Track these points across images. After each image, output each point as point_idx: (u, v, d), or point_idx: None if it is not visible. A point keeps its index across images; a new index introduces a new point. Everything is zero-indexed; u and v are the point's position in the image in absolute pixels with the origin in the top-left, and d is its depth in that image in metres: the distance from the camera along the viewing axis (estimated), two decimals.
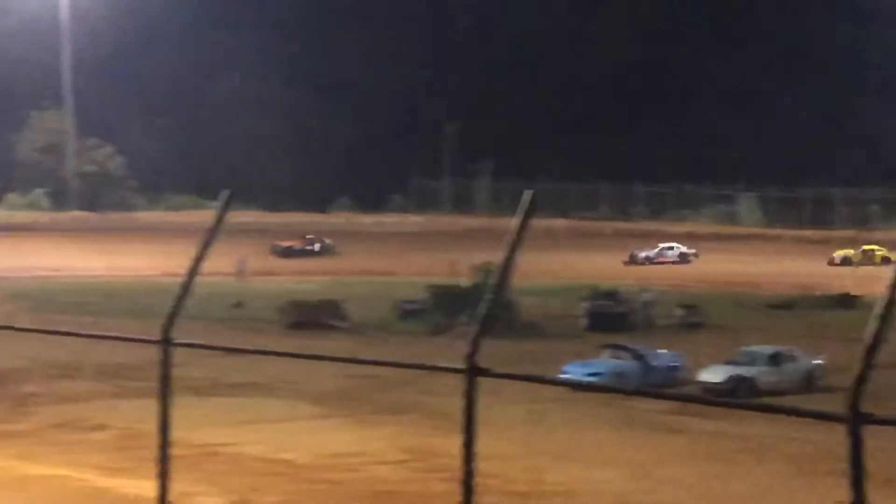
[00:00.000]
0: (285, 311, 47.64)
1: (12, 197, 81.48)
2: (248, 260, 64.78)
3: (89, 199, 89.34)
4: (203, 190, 79.13)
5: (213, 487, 21.44)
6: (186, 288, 10.42)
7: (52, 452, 24.50)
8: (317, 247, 74.77)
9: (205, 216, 12.62)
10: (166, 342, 10.42)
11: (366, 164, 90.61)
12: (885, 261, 70.53)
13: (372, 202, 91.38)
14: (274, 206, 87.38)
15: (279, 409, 29.95)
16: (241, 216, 71.77)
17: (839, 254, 74.29)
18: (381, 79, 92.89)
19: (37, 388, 32.17)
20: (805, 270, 65.51)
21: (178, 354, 10.63)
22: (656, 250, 76.42)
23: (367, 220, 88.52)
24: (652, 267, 71.50)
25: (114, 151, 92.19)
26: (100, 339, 26.98)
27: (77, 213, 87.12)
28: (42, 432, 27.08)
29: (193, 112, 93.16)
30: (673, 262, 74.34)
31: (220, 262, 54.69)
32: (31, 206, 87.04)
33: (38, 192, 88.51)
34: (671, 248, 77.26)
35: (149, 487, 11.18)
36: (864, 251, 74.17)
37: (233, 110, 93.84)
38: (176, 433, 10.66)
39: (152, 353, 10.55)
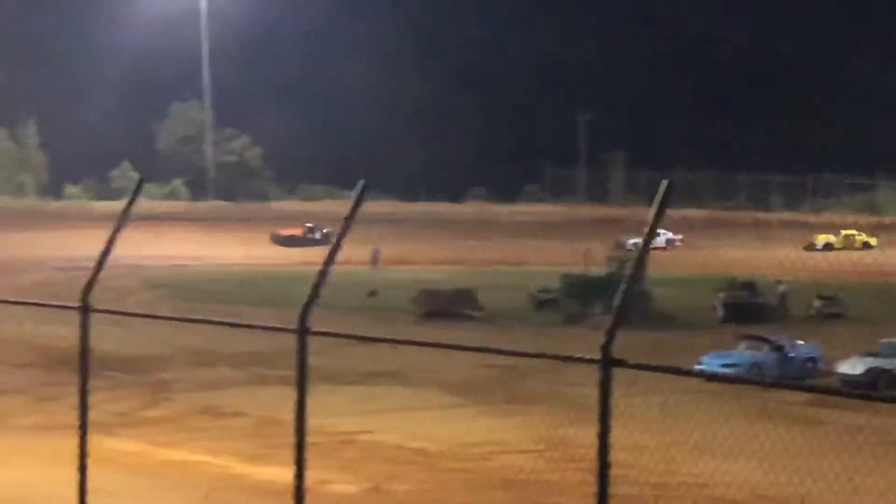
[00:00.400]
0: (419, 300, 47.81)
1: (152, 187, 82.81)
2: (382, 249, 65.22)
3: (227, 188, 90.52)
4: (338, 180, 79.72)
5: (347, 475, 21.59)
6: (322, 277, 10.48)
7: (190, 438, 24.87)
8: (318, 235, 73.22)
9: (340, 206, 12.69)
10: (303, 331, 10.50)
11: (500, 154, 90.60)
12: (866, 245, 71.36)
13: (506, 192, 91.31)
14: (409, 196, 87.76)
15: (413, 397, 30.06)
16: (376, 206, 72.21)
17: (820, 239, 74.55)
18: (515, 68, 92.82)
19: (176, 375, 32.67)
20: None
21: (314, 343, 10.71)
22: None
23: (502, 209, 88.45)
24: (792, 257, 70.42)
25: (251, 142, 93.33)
26: (237, 328, 27.21)
27: (215, 203, 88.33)
28: (181, 419, 27.49)
29: (329, 103, 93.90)
30: (661, 249, 71.95)
31: (355, 252, 55.19)
32: (171, 195, 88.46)
33: (177, 181, 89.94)
34: (658, 234, 76.02)
35: (285, 474, 11.27)
36: (845, 236, 74.20)
37: (368, 101, 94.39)
38: (312, 421, 10.73)
39: (289, 342, 10.64)
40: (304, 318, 10.45)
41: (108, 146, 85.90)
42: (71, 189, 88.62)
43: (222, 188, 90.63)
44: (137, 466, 22.26)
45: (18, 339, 35.94)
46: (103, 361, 21.64)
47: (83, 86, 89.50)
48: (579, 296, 46.58)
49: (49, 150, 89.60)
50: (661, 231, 77.15)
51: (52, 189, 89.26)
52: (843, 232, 74.49)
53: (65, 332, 13.42)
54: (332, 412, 23.97)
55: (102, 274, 12.53)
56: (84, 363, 12.54)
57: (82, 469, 12.35)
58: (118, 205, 13.01)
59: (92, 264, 12.42)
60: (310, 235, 72.97)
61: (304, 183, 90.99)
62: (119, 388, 29.22)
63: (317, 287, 10.43)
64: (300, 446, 10.66)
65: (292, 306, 10.86)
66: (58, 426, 22.77)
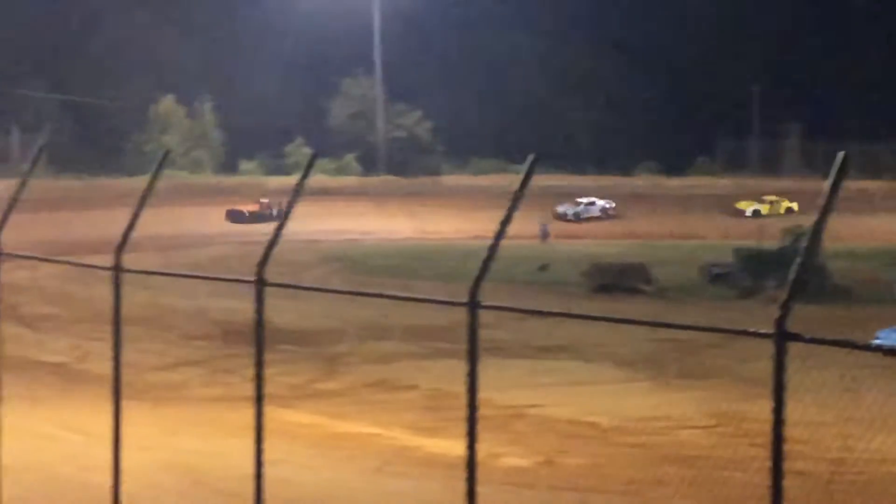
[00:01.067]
0: (590, 274, 47.63)
1: (324, 162, 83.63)
2: (551, 223, 65.13)
3: (398, 163, 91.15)
4: (509, 154, 79.70)
5: (519, 448, 21.64)
6: (493, 251, 10.49)
7: (363, 411, 25.15)
8: (275, 212, 68.23)
9: (510, 180, 12.67)
10: (473, 304, 10.52)
11: (671, 127, 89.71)
12: (789, 211, 71.86)
13: (677, 165, 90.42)
14: (578, 170, 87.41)
15: (584, 371, 29.99)
16: (546, 179, 72.05)
17: (743, 206, 75.23)
18: (686, 39, 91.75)
19: (348, 348, 33.05)
20: None
21: (485, 316, 10.72)
22: (580, 206, 74.77)
23: (673, 182, 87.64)
24: None
25: (421, 117, 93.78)
26: (409, 302, 27.43)
27: (386, 178, 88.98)
28: (353, 391, 27.82)
29: (499, 76, 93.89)
30: (596, 218, 72.56)
31: (525, 226, 55.13)
32: (342, 170, 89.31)
33: (349, 157, 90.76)
34: (592, 202, 75.38)
35: (456, 447, 11.32)
36: (770, 202, 74.47)
37: (538, 73, 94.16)
38: (482, 394, 10.76)
39: (460, 315, 10.67)
40: (474, 292, 10.47)
41: (281, 122, 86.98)
42: (246, 165, 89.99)
43: (393, 163, 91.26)
44: (312, 438, 22.60)
45: (195, 313, 36.67)
46: (278, 335, 22.01)
47: (258, 63, 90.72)
48: (753, 270, 45.97)
49: (225, 126, 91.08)
50: (594, 199, 73.64)
51: (228, 165, 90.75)
52: (768, 198, 75.06)
53: (240, 306, 13.65)
54: (503, 386, 24.03)
55: (277, 248, 12.70)
56: (259, 336, 12.73)
57: (258, 440, 12.56)
58: (291, 180, 13.18)
59: (266, 239, 12.60)
60: (267, 212, 68.88)
61: (474, 157, 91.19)
62: (293, 361, 29.67)
63: (487, 261, 10.44)
64: (472, 419, 10.70)
65: (463, 280, 10.88)
66: (234, 398, 23.21)
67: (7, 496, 15.24)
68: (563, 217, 72.74)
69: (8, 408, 15.66)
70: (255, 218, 67.32)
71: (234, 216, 69.18)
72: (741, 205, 75.85)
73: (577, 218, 72.96)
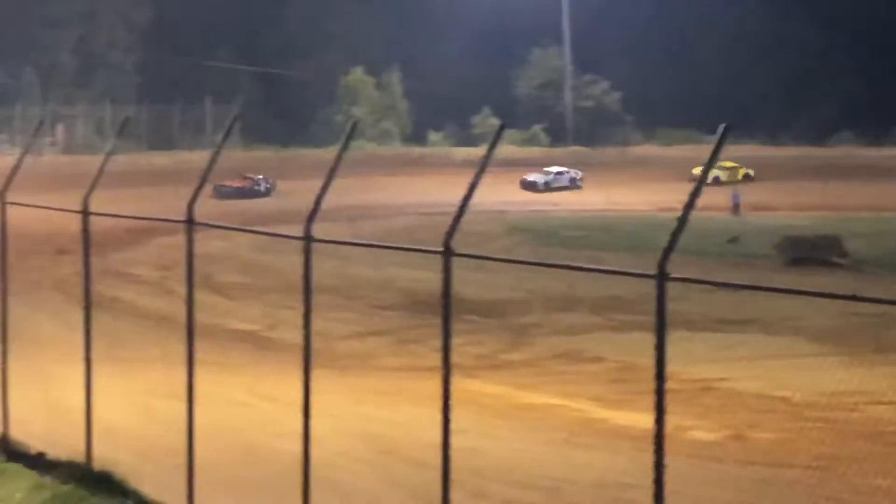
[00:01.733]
0: (782, 246, 46.83)
1: (512, 133, 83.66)
2: (742, 194, 64.21)
3: (586, 134, 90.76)
4: (699, 123, 78.75)
5: (707, 422, 21.40)
6: (682, 222, 10.34)
7: (549, 382, 25.13)
8: (262, 187, 67.56)
9: (700, 151, 12.48)
10: (662, 276, 10.39)
11: (868, 95, 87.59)
12: (747, 177, 72.13)
13: (874, 134, 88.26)
14: (771, 140, 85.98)
15: (775, 345, 29.48)
16: (738, 150, 71.06)
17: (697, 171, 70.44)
18: (884, 2, 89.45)
19: (535, 319, 33.04)
20: None
21: (673, 289, 10.58)
22: (552, 176, 72.56)
23: (870, 152, 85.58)
24: None
25: (609, 87, 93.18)
26: (596, 273, 27.22)
27: (574, 149, 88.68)
28: (539, 363, 27.81)
29: (688, 45, 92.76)
30: (564, 188, 70.60)
31: (715, 198, 54.40)
32: (530, 141, 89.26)
33: (537, 128, 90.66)
34: (560, 172, 73.17)
35: (643, 420, 11.22)
36: (728, 169, 72.19)
37: (728, 42, 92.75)
38: (670, 367, 10.63)
39: (647, 287, 10.56)
40: (663, 263, 10.34)
41: (469, 93, 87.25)
42: (433, 135, 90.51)
43: (581, 134, 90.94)
44: (498, 409, 22.65)
45: (383, 283, 37.04)
46: (464, 305, 22.08)
47: (446, 34, 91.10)
48: None
49: (412, 97, 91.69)
50: (563, 169, 70.77)
51: (416, 136, 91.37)
52: (725, 164, 71.94)
53: (427, 276, 13.71)
54: (690, 359, 23.76)
55: (464, 219, 12.70)
56: (446, 306, 12.76)
57: (445, 410, 12.61)
58: (478, 151, 13.18)
59: (453, 210, 12.61)
60: (256, 188, 67.80)
61: (663, 127, 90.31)
62: (480, 331, 29.77)
63: (676, 233, 10.30)
64: (659, 392, 10.59)
65: (651, 252, 10.77)
66: (420, 368, 23.38)
67: (200, 460, 15.57)
68: (532, 187, 71.77)
69: (201, 374, 15.99)
70: (241, 193, 65.05)
71: (220, 191, 62.68)
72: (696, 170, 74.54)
73: (547, 187, 71.75)
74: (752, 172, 73.70)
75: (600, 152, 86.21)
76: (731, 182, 70.52)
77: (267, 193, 67.25)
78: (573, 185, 73.33)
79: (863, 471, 18.54)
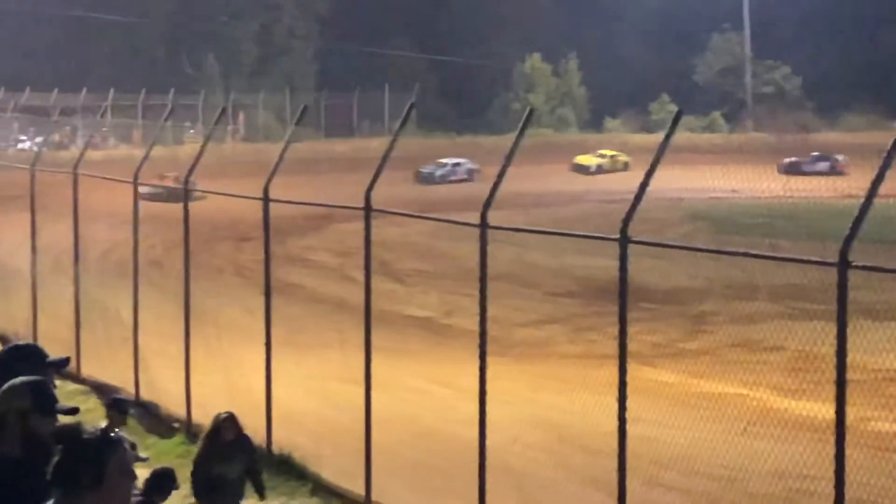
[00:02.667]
0: None
1: (690, 119, 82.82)
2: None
3: (765, 120, 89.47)
4: (884, 109, 77.04)
5: (891, 413, 20.96)
6: (865, 210, 10.15)
7: (727, 371, 24.84)
8: (465, 170, 64.88)
9: (884, 137, 12.22)
10: (844, 264, 10.22)
11: None
12: (626, 166, 68.46)
13: None
14: None
15: None
16: None
17: (584, 161, 72.21)
18: None
19: (713, 307, 32.67)
20: None
21: (856, 277, 10.39)
22: (447, 167, 67.44)
23: None
24: None
25: (790, 72, 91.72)
26: (776, 261, 26.75)
27: (753, 135, 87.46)
28: (717, 351, 27.50)
29: (870, 29, 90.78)
30: (462, 181, 64.01)
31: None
32: (709, 128, 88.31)
33: (716, 113, 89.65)
34: (458, 164, 67.61)
35: (824, 410, 11.06)
36: (611, 157, 71.31)
37: None
38: (852, 357, 10.45)
39: (828, 276, 10.38)
40: (844, 251, 10.17)
41: (646, 79, 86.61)
42: (610, 122, 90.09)
43: (761, 120, 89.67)
44: (675, 397, 22.45)
45: (560, 270, 36.98)
46: (641, 293, 21.94)
47: (622, 20, 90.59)
48: None
49: (590, 84, 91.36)
50: (460, 160, 64.40)
51: (593, 122, 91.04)
52: (602, 152, 70.67)
53: (604, 264, 13.66)
54: (874, 349, 23.23)
55: (641, 206, 12.63)
56: (623, 294, 12.71)
57: (621, 398, 12.56)
58: (656, 138, 13.08)
59: (630, 197, 12.54)
60: (455, 172, 66.09)
61: (845, 113, 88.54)
62: (656, 319, 29.55)
63: (858, 220, 10.11)
64: (840, 382, 10.41)
65: (833, 240, 10.58)
66: (597, 355, 23.27)
67: (377, 445, 15.75)
68: (428, 179, 66.62)
69: (378, 360, 16.17)
70: (442, 178, 64.39)
71: (425, 176, 63.84)
72: (580, 159, 72.70)
73: (443, 180, 66.21)
74: (630, 161, 68.73)
75: (780, 139, 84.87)
76: (613, 170, 68.59)
77: (469, 178, 66.22)
78: (470, 177, 66.33)
79: None
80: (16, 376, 6.76)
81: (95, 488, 5.48)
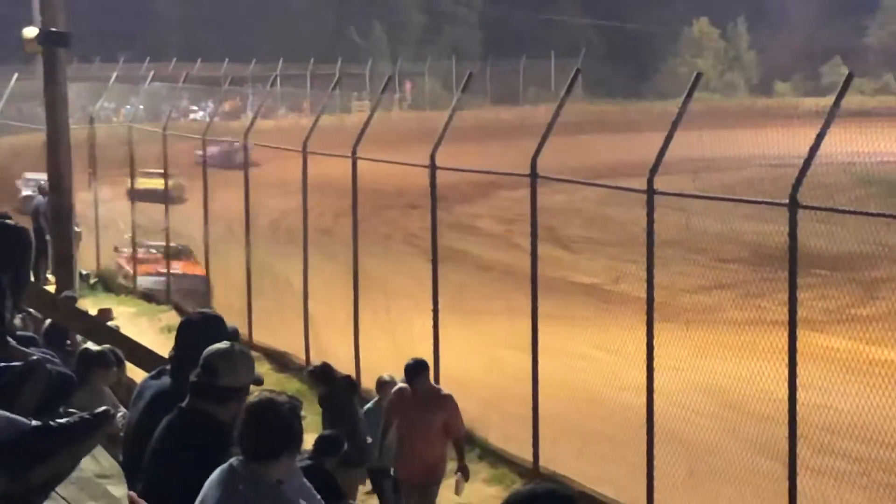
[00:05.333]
0: None
1: (863, 82, 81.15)
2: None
3: None
4: None
5: None
6: None
7: None
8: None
9: None
10: None
11: None
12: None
13: None
14: None
15: None
16: None
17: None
18: None
19: (885, 273, 32.01)
20: None
21: None
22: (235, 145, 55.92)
23: None
24: None
25: None
26: None
27: None
28: (890, 317, 26.93)
29: None
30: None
31: None
32: (882, 90, 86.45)
33: (889, 76, 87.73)
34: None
35: None
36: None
37: None
38: None
39: None
40: None
41: (817, 42, 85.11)
42: (780, 86, 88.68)
43: None
44: (847, 364, 22.08)
45: (728, 236, 36.51)
46: (811, 258, 21.58)
47: None
48: None
49: (759, 48, 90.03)
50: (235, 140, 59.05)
51: (762, 87, 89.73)
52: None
53: (773, 229, 13.50)
54: None
55: (812, 171, 12.45)
56: (793, 260, 12.56)
57: (792, 364, 12.43)
58: (826, 101, 12.87)
59: (800, 162, 12.37)
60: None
61: None
62: (827, 285, 29.07)
63: None
64: None
65: None
66: (766, 322, 22.99)
67: (543, 411, 15.80)
68: (212, 162, 57.91)
69: (544, 326, 16.20)
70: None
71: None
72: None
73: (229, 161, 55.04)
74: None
75: None
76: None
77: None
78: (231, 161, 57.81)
79: None
80: (202, 344, 6.97)
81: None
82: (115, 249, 30.17)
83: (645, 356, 14.42)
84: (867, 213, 17.48)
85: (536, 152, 16.09)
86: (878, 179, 53.91)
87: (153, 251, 29.26)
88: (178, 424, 6.56)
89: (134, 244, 29.66)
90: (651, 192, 14.33)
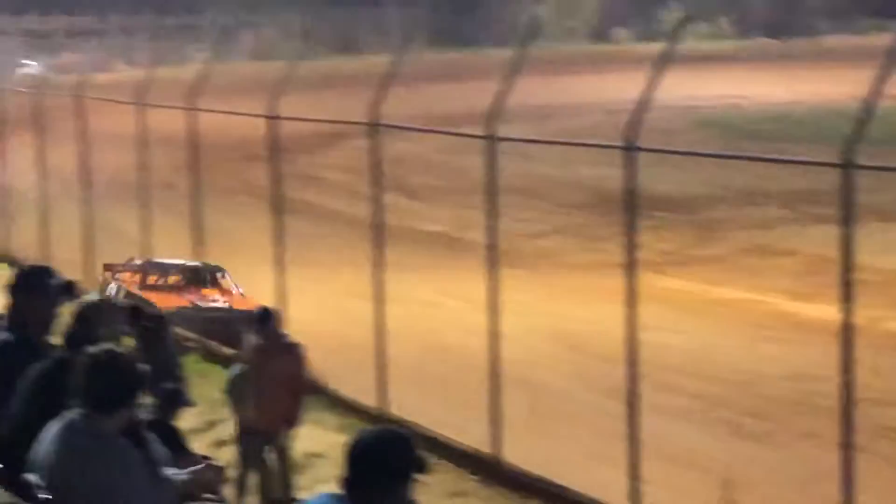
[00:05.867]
0: None
1: (698, 26, 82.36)
2: None
3: (773, 25, 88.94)
4: (891, 12, 76.50)
5: None
6: (869, 111, 10.16)
7: (739, 277, 24.92)
8: None
9: (887, 39, 12.19)
10: (848, 166, 10.25)
11: None
12: None
13: None
14: None
15: None
16: None
17: None
18: None
19: (723, 214, 32.67)
20: None
21: (864, 179, 10.42)
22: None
23: None
24: None
25: None
26: (786, 166, 26.86)
27: (762, 40, 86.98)
28: (728, 258, 27.54)
29: None
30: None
31: None
32: (716, 35, 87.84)
33: (723, 19, 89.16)
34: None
35: (835, 312, 11.12)
36: None
37: None
38: (863, 259, 10.51)
39: (838, 179, 10.41)
40: (848, 153, 10.19)
41: None
42: (619, 32, 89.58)
43: (769, 24, 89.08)
44: (687, 304, 22.57)
45: (570, 181, 36.98)
46: (651, 201, 21.93)
47: None
48: None
49: None
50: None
51: (601, 33, 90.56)
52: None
53: (614, 174, 13.68)
54: (882, 250, 23.29)
55: (651, 115, 12.63)
56: (631, 203, 12.74)
57: (631, 305, 12.63)
58: (663, 46, 13.05)
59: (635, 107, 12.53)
60: None
61: (855, 15, 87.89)
62: (666, 227, 29.55)
63: (863, 122, 10.12)
64: (847, 284, 10.48)
65: (840, 143, 10.60)
66: (609, 265, 23.33)
67: (392, 359, 15.87)
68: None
69: (391, 275, 16.25)
70: None
71: None
72: None
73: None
74: None
75: (789, 44, 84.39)
76: None
77: None
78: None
79: None
80: (31, 301, 7.03)
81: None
82: (108, 268, 21.98)
83: (489, 300, 14.53)
84: (704, 154, 17.80)
85: (377, 100, 16.08)
86: (716, 122, 54.97)
87: (172, 272, 21.27)
88: (59, 373, 6.51)
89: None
90: (493, 138, 14.43)
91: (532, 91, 23.10)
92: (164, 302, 18.82)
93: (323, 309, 20.35)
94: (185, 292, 20.45)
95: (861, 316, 11.00)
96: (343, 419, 15.49)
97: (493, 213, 14.46)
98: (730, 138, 49.01)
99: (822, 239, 25.08)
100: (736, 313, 21.95)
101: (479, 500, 13.45)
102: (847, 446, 10.70)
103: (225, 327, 18.28)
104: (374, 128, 16.23)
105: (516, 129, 17.33)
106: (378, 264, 16.05)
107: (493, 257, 14.41)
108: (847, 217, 10.36)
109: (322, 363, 15.08)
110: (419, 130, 23.15)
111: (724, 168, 32.96)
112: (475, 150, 15.20)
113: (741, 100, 63.65)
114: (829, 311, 17.97)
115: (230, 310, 19.41)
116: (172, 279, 21.04)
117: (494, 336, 14.35)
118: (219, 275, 20.98)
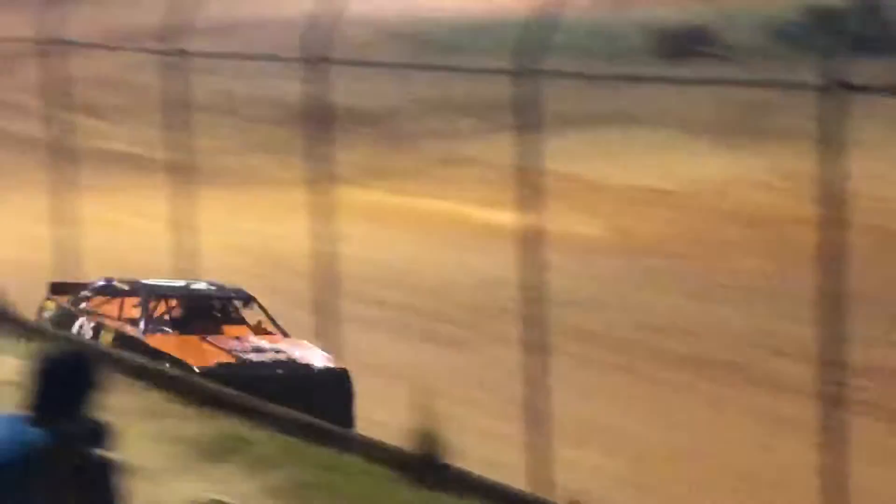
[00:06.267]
0: (656, 39, 46.84)
1: None
2: None
3: None
4: None
5: (587, 216, 21.72)
6: (551, 19, 10.36)
7: (429, 187, 25.27)
8: None
9: None
10: (527, 72, 10.45)
11: None
12: None
13: None
14: None
15: (646, 137, 29.63)
16: None
17: None
18: None
19: (413, 126, 32.96)
20: None
21: (549, 87, 10.64)
22: None
23: None
24: None
25: None
26: (477, 76, 27.21)
27: None
28: (418, 168, 27.89)
29: None
30: None
31: None
32: None
33: None
34: None
35: (525, 218, 11.40)
36: None
37: None
38: (549, 165, 10.76)
39: (529, 89, 10.61)
40: (532, 60, 10.37)
41: None
42: None
43: None
44: (382, 216, 22.79)
45: (261, 98, 36.68)
46: (344, 114, 22.01)
47: None
48: (825, 27, 44.98)
49: None
50: None
51: None
52: None
53: (300, 88, 13.66)
54: (565, 155, 23.95)
55: (348, 31, 12.63)
56: (322, 117, 12.76)
57: (322, 219, 12.67)
58: None
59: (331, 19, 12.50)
60: None
61: None
62: (357, 140, 29.69)
63: (536, 29, 10.32)
64: (532, 190, 10.74)
65: (533, 52, 10.79)
66: (303, 180, 23.37)
67: (76, 277, 15.53)
68: None
69: (84, 198, 15.90)
70: None
71: None
72: None
73: None
74: None
75: None
76: None
77: None
78: None
79: (734, 254, 19.01)
80: None
81: None
82: (57, 290, 15.33)
83: (182, 219, 14.37)
84: (385, 64, 17.93)
85: (53, 17, 15.61)
86: (404, 32, 55.15)
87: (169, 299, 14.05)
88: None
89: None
90: (181, 53, 14.22)
91: (211, 6, 22.71)
92: (193, 355, 12.74)
93: (8, 235, 19.80)
94: (202, 333, 13.47)
95: (550, 222, 11.31)
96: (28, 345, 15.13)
97: (186, 130, 14.28)
98: (421, 49, 49.34)
99: (508, 147, 25.66)
100: (426, 222, 22.30)
101: (176, 420, 13.34)
102: (530, 347, 10.95)
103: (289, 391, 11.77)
104: (56, 45, 15.79)
105: (203, 46, 17.07)
106: (63, 186, 15.68)
107: (186, 175, 14.26)
108: (528, 124, 10.60)
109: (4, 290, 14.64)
110: (104, 47, 22.59)
111: (412, 80, 33.22)
112: (156, 68, 14.96)
113: (431, 11, 63.96)
114: (518, 218, 18.48)
115: (295, 364, 12.93)
116: (175, 312, 13.96)
117: (189, 255, 14.22)
118: (238, 303, 14.26)
